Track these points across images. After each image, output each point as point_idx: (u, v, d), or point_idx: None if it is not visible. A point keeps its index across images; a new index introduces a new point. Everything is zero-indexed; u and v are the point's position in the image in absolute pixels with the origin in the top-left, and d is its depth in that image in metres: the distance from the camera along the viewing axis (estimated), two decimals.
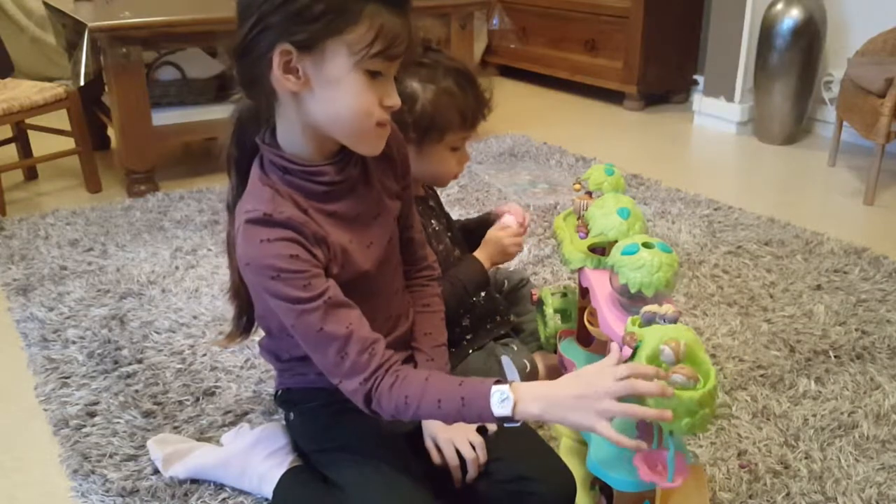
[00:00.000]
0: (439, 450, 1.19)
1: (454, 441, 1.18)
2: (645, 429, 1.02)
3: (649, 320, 0.99)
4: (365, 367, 1.03)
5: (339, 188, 1.09)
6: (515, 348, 1.53)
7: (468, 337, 1.52)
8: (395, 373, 1.04)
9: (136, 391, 1.63)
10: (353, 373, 1.03)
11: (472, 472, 1.17)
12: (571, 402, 0.95)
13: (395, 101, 1.02)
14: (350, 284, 1.07)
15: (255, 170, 1.08)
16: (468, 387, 1.01)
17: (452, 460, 1.18)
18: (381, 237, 1.15)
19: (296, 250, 1.01)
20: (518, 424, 0.99)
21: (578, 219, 1.33)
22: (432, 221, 1.50)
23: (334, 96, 0.99)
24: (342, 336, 1.02)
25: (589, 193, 1.36)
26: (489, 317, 1.57)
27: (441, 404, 1.01)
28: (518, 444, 1.19)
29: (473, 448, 1.17)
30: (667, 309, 0.99)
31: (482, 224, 1.63)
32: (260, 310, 1.20)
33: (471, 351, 1.50)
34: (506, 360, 1.07)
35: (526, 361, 1.48)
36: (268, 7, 0.95)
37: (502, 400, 0.97)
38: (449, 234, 1.55)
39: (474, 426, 1.18)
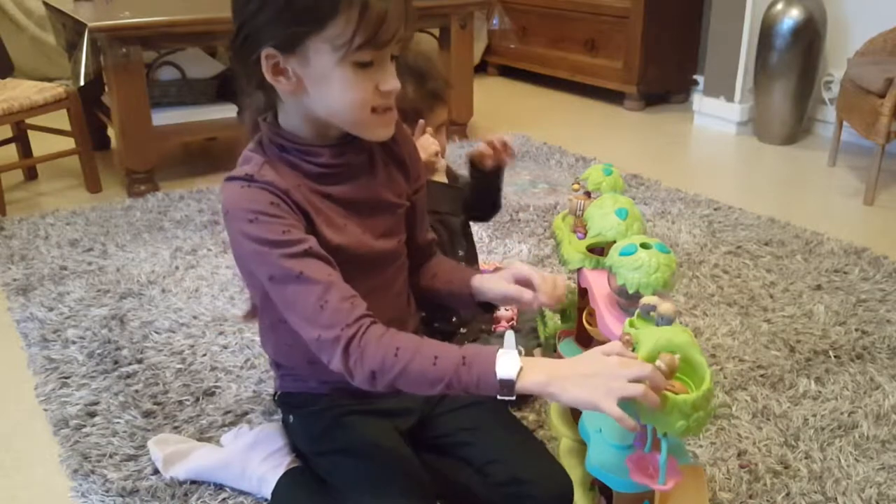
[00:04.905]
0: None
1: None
2: (640, 430, 1.01)
3: (646, 311, 0.99)
4: (347, 315, 0.98)
5: (336, 172, 1.09)
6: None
7: (462, 330, 1.53)
8: (384, 327, 1.00)
9: (136, 391, 1.63)
10: (333, 322, 0.98)
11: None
12: (580, 379, 0.90)
13: (392, 85, 1.00)
14: (348, 274, 1.05)
15: (250, 144, 1.09)
16: (470, 349, 0.97)
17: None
18: (376, 228, 1.14)
19: (276, 200, 1.01)
20: (513, 398, 0.95)
21: (575, 219, 1.33)
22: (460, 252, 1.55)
23: (327, 92, 0.99)
24: (323, 282, 0.99)
25: (587, 193, 1.35)
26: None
27: (438, 361, 0.95)
28: (514, 446, 1.19)
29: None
30: (666, 308, 0.99)
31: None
32: (255, 298, 1.20)
33: (465, 343, 1.52)
34: (509, 333, 1.06)
35: (521, 348, 1.49)
36: (248, 13, 0.96)
37: (509, 363, 0.93)
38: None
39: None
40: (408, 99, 1.45)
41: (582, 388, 0.89)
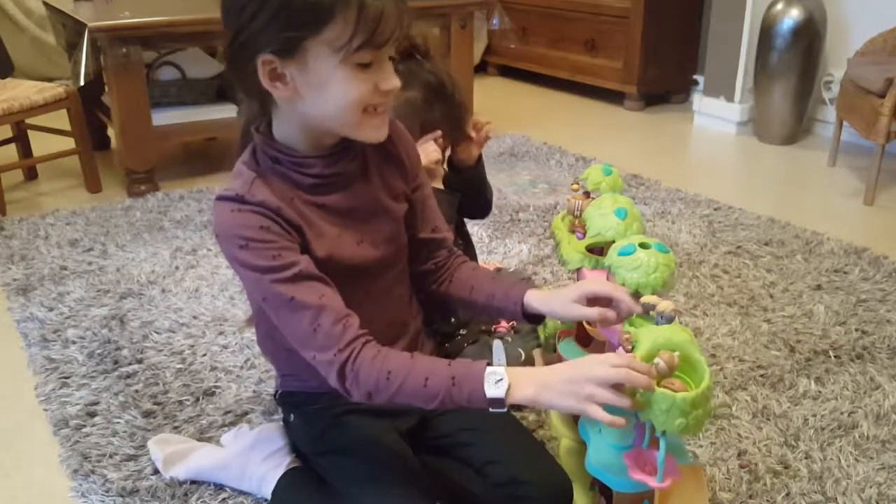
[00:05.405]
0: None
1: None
2: (639, 428, 1.01)
3: (646, 310, 0.99)
4: (339, 338, 1.00)
5: (330, 181, 1.08)
6: (510, 340, 1.54)
7: (462, 332, 1.53)
8: (377, 347, 1.01)
9: (136, 391, 1.63)
10: (326, 345, 1.00)
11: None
12: (562, 386, 0.93)
13: (391, 83, 1.00)
14: (345, 281, 1.05)
15: (243, 155, 1.08)
16: (459, 367, 0.98)
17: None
18: (374, 235, 1.13)
19: (266, 223, 1.01)
20: (504, 410, 0.96)
21: (574, 219, 1.33)
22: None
23: (326, 96, 0.98)
24: (314, 306, 1.00)
25: (587, 193, 1.36)
26: None
27: (428, 382, 0.97)
28: (514, 446, 1.19)
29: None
30: (665, 306, 0.99)
31: None
32: (253, 305, 1.20)
33: (465, 344, 1.51)
34: (496, 344, 1.05)
35: (521, 351, 1.49)
36: (244, 20, 0.96)
37: (497, 381, 0.95)
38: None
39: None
40: (433, 118, 1.51)
41: (566, 396, 0.92)
